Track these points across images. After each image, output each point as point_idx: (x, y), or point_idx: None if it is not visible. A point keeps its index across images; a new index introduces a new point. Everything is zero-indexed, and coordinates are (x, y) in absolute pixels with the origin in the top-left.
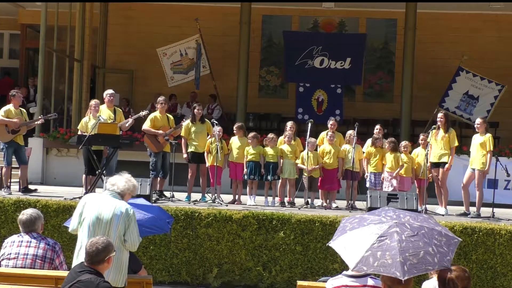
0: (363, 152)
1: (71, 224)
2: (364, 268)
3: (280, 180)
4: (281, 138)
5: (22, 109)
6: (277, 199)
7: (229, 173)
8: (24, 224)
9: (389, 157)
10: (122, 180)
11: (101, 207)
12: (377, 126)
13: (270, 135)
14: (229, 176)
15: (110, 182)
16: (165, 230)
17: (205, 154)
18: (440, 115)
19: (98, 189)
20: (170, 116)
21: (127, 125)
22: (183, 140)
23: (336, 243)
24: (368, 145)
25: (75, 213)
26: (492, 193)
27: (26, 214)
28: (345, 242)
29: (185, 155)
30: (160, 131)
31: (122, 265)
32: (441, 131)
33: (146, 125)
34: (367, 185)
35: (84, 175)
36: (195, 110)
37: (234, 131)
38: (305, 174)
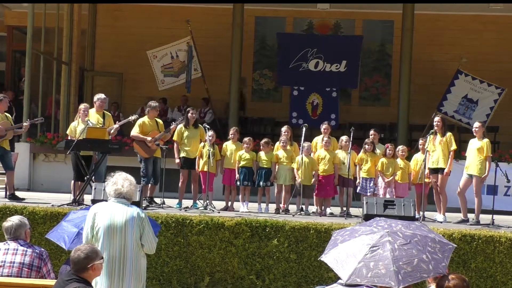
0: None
1: (84, 237)
2: (358, 280)
3: (273, 186)
4: (277, 144)
5: (7, 114)
6: (272, 205)
7: (222, 179)
8: (6, 230)
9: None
10: (124, 183)
11: (112, 215)
12: (372, 131)
13: (263, 141)
14: (222, 182)
15: (113, 186)
16: None
17: (197, 159)
18: (437, 119)
19: (87, 195)
20: (159, 121)
21: (112, 131)
22: (175, 144)
23: (328, 257)
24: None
25: (86, 226)
26: (491, 200)
27: (9, 221)
28: (336, 255)
29: (177, 160)
30: (148, 138)
31: (141, 273)
32: (439, 136)
33: (134, 131)
34: (358, 190)
35: (72, 181)
36: (189, 114)
37: (230, 135)
38: (298, 180)
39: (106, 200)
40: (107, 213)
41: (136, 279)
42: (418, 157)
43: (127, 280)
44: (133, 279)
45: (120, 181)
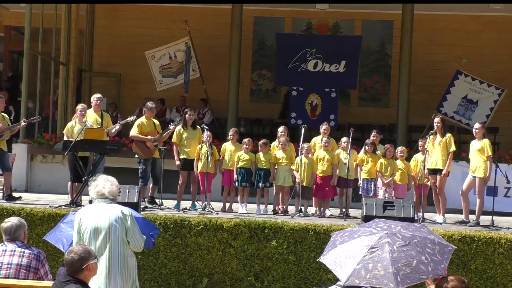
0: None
1: (73, 242)
2: (356, 281)
3: (273, 187)
4: (273, 144)
5: (4, 114)
6: (271, 206)
7: (221, 180)
8: (6, 232)
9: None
10: (105, 184)
11: (96, 216)
12: (373, 132)
13: (262, 141)
14: (222, 183)
15: (94, 189)
16: (147, 245)
17: (195, 160)
18: (436, 119)
19: (85, 197)
20: (156, 122)
21: (113, 131)
22: (174, 146)
23: (327, 258)
24: (362, 151)
25: (74, 231)
26: (491, 201)
27: (8, 221)
28: (335, 257)
29: (177, 162)
30: (149, 137)
31: (129, 272)
32: (438, 136)
33: (133, 131)
34: (360, 191)
35: (69, 182)
36: (187, 116)
37: (229, 136)
38: (298, 181)
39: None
40: (91, 215)
41: (123, 278)
42: (418, 157)
43: (113, 279)
44: (120, 278)
45: (101, 183)
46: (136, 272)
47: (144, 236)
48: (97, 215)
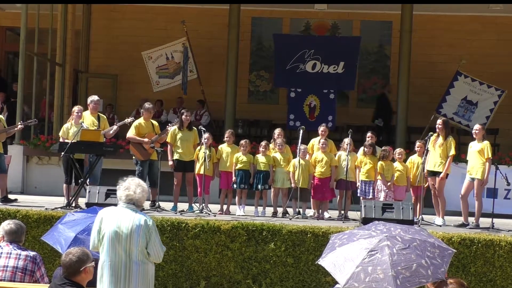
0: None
1: (91, 242)
2: (356, 284)
3: (272, 190)
4: (271, 146)
5: (0, 116)
6: (270, 209)
7: (219, 182)
8: (11, 233)
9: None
10: (136, 189)
11: (119, 221)
12: (369, 134)
13: (263, 143)
14: (220, 186)
15: (124, 191)
16: None
17: (195, 161)
18: (438, 121)
19: (81, 199)
20: (155, 122)
21: (111, 132)
22: (168, 146)
23: (326, 261)
24: (360, 153)
25: (93, 231)
26: (491, 203)
27: (12, 223)
28: (334, 259)
29: (170, 163)
30: (146, 139)
31: (149, 279)
32: (440, 138)
33: (130, 133)
34: (358, 193)
35: (64, 184)
36: (183, 117)
37: (225, 138)
38: (293, 184)
39: (115, 204)
40: (114, 219)
41: (143, 285)
42: (414, 159)
43: (134, 286)
44: (140, 285)
45: (133, 187)
46: (153, 279)
47: (165, 247)
48: (120, 220)
